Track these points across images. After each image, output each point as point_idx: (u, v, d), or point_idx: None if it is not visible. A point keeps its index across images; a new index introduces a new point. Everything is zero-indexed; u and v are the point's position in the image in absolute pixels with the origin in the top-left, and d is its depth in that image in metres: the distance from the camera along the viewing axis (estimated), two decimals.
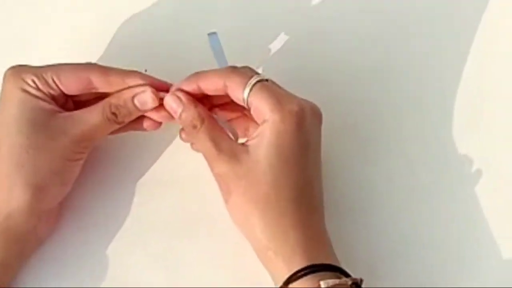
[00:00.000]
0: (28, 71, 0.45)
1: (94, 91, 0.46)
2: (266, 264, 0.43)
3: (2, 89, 0.45)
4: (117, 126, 0.46)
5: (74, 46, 0.53)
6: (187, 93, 0.45)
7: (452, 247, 0.49)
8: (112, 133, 0.47)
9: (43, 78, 0.44)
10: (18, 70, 0.45)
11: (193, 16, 0.55)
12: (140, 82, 0.46)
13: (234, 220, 0.45)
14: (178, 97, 0.45)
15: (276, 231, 0.42)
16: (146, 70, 0.49)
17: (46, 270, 0.47)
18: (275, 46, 0.54)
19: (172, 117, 0.46)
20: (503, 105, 0.53)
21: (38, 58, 0.46)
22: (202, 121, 0.45)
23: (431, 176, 0.51)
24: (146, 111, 0.46)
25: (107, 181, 0.50)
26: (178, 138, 0.49)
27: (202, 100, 0.46)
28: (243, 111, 0.47)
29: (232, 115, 0.48)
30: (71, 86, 0.45)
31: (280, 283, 0.41)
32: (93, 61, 0.50)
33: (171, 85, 0.47)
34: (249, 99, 0.44)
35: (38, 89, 0.44)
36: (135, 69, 0.47)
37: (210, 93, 0.46)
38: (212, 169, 0.45)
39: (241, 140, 0.46)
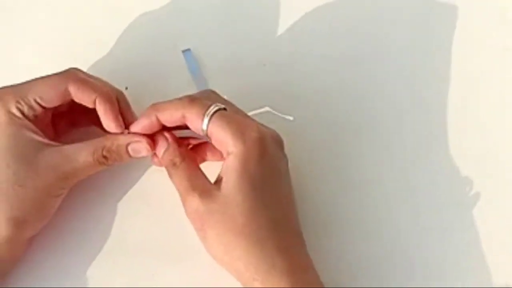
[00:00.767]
0: (10, 98, 0.44)
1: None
2: None
3: None
4: (105, 168, 0.46)
5: (54, 67, 0.52)
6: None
7: (452, 247, 0.49)
8: None
9: (26, 103, 0.44)
10: (1, 98, 0.44)
11: (173, 35, 0.55)
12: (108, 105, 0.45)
13: (214, 256, 0.43)
14: (165, 137, 0.45)
15: (260, 261, 0.41)
16: (127, 88, 0.48)
17: None
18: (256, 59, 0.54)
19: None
20: (503, 105, 0.54)
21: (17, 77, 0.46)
22: (182, 159, 0.44)
23: (428, 177, 0.51)
24: (137, 158, 0.46)
25: (87, 201, 0.49)
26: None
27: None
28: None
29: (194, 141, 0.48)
30: (52, 101, 0.45)
31: None
32: None
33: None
34: (208, 130, 0.43)
35: (23, 115, 0.44)
36: (116, 87, 0.47)
37: (169, 124, 0.45)
38: (185, 208, 0.44)
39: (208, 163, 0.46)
